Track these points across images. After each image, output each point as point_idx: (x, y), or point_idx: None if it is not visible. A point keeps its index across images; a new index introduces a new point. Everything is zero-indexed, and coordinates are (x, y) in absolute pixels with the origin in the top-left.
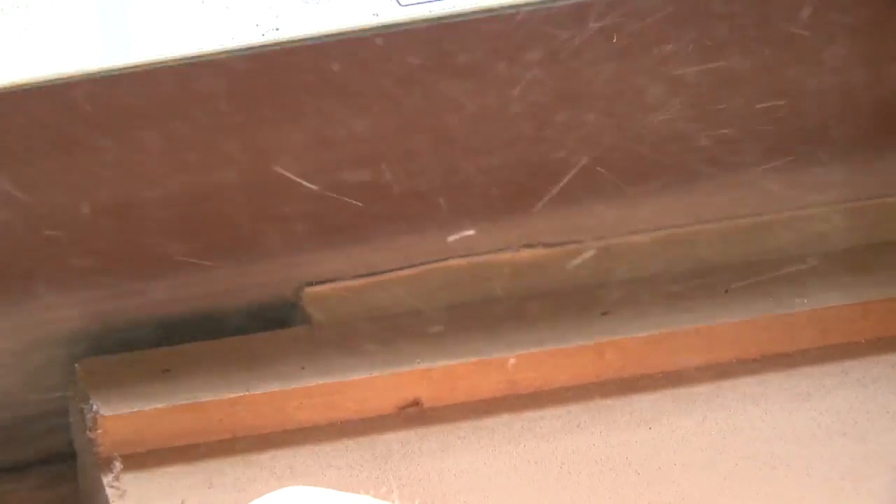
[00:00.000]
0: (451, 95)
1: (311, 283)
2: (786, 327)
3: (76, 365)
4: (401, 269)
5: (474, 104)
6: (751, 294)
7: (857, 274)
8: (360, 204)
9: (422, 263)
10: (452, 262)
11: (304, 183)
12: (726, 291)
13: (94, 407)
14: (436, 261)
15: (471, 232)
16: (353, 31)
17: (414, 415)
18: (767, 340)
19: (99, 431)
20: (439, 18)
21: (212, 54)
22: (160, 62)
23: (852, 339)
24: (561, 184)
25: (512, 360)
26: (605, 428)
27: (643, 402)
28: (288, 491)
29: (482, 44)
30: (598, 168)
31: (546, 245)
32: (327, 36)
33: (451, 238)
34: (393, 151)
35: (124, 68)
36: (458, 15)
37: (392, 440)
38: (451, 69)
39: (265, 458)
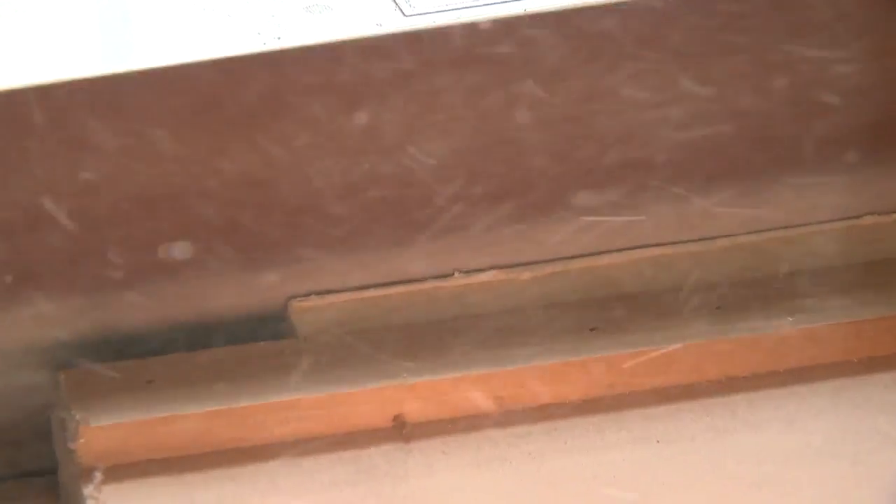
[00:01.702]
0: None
1: (297, 296)
2: (777, 346)
3: (60, 375)
4: (389, 284)
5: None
6: (743, 311)
7: (849, 292)
8: (350, 217)
9: (411, 280)
10: (440, 282)
11: (294, 193)
12: (718, 308)
13: (77, 417)
14: (424, 279)
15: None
16: (356, 41)
17: (399, 430)
18: (758, 359)
19: (81, 442)
20: (443, 29)
21: (213, 62)
22: (160, 69)
23: (844, 359)
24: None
25: (499, 376)
26: (592, 445)
27: (631, 420)
28: None
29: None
30: (585, 186)
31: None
32: (329, 46)
33: (443, 255)
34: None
35: (123, 75)
36: (463, 26)
37: (376, 455)
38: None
39: (247, 472)
